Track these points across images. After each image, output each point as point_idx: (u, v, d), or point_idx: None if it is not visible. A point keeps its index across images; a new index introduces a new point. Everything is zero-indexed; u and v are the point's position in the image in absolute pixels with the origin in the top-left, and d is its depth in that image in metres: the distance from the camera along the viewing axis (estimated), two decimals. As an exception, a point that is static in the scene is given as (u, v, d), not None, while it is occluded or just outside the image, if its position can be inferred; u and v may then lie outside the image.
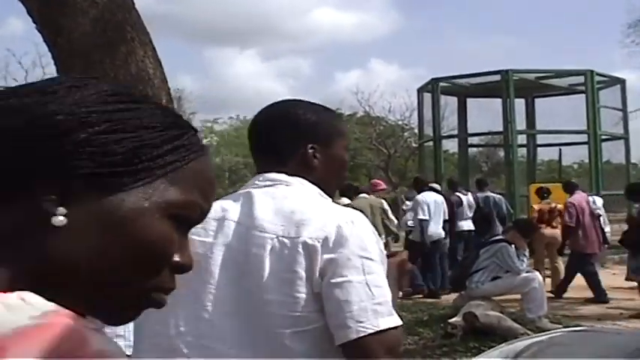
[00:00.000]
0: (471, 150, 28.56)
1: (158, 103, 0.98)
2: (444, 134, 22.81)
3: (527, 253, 10.50)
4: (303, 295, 1.92)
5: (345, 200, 12.66)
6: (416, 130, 30.20)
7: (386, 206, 13.42)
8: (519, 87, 20.13)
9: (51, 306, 0.76)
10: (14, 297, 0.76)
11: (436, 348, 8.50)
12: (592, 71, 20.16)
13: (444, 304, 11.33)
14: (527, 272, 10.00)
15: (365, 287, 1.92)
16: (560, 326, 8.42)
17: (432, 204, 12.54)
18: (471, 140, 24.83)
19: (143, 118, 0.93)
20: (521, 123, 21.20)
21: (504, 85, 19.56)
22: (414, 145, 43.02)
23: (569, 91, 21.84)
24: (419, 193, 13.01)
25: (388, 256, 2.23)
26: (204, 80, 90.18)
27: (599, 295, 11.97)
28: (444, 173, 21.52)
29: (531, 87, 21.51)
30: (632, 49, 40.82)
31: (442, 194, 13.27)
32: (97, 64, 5.34)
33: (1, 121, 0.87)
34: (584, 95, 20.21)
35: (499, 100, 20.20)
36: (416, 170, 27.26)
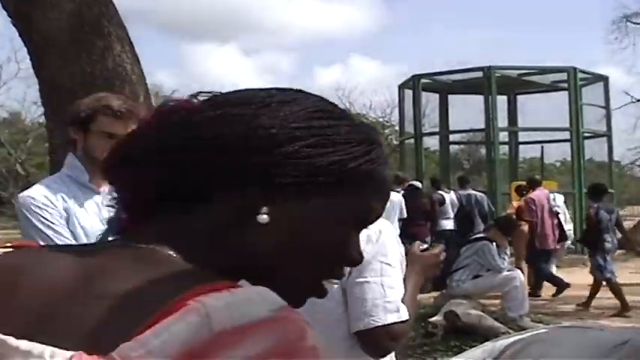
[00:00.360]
0: (453, 147, 28.70)
1: (352, 118, 1.14)
2: (425, 131, 22.88)
3: (508, 251, 10.58)
4: (334, 289, 2.32)
5: None
6: (397, 128, 30.23)
7: None
8: (501, 84, 20.22)
9: (281, 301, 0.89)
10: (254, 291, 0.91)
11: (417, 347, 8.55)
12: (575, 68, 20.26)
13: (424, 302, 11.39)
14: (508, 271, 10.08)
15: (380, 287, 2.37)
16: (542, 325, 8.50)
17: None
18: (453, 137, 24.91)
19: (342, 134, 1.08)
20: (503, 120, 21.30)
21: (486, 82, 19.64)
22: (394, 142, 43.05)
23: (552, 88, 21.94)
24: None
25: (424, 250, 2.72)
26: (181, 76, 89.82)
27: (559, 284, 12.26)
28: (425, 171, 21.59)
29: (513, 84, 21.61)
30: (616, 45, 40.99)
31: (406, 192, 13.29)
32: (73, 60, 5.34)
33: (219, 129, 1.04)
34: (566, 92, 20.30)
35: (481, 97, 20.28)
36: (397, 168, 27.28)
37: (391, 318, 2.38)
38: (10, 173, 36.36)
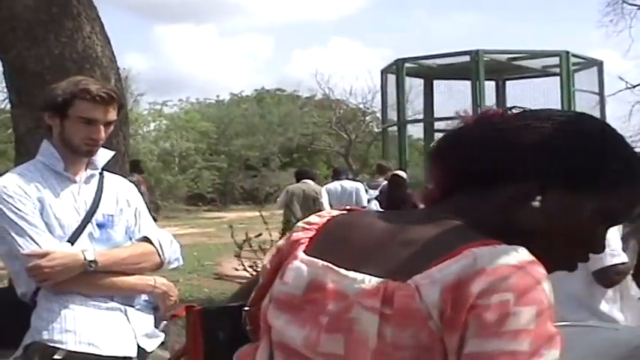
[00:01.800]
0: (438, 135, 28.67)
1: (623, 138, 1.54)
2: (409, 119, 22.86)
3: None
4: None
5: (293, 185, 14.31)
6: (378, 115, 30.21)
7: (322, 196, 13.71)
8: (490, 68, 20.22)
9: (531, 257, 1.31)
10: (511, 248, 1.32)
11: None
12: (567, 52, 20.24)
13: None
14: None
15: None
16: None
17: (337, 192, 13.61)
18: (438, 125, 24.77)
19: (609, 150, 1.49)
20: (491, 107, 21.27)
21: (474, 67, 19.66)
22: (376, 130, 43.01)
23: (543, 73, 21.90)
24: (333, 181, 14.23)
25: None
26: (153, 59, 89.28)
27: None
28: (409, 160, 21.61)
29: (502, 68, 21.59)
30: (611, 28, 41.13)
31: (390, 182, 13.36)
32: (40, 41, 5.34)
33: (521, 136, 1.48)
34: (558, 78, 20.34)
35: (468, 83, 20.28)
36: (378, 157, 27.26)
37: (616, 260, 4.09)
38: (-32, 162, 35.94)
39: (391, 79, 21.37)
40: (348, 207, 1.68)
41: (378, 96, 25.70)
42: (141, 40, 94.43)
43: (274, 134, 51.17)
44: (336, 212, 1.64)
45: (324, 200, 13.71)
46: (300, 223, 1.64)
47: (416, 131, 26.78)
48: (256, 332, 1.61)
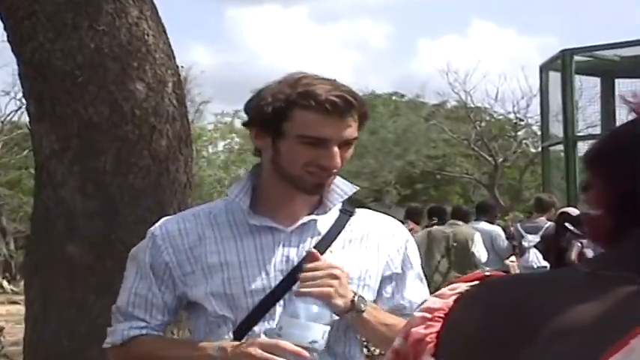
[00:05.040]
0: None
1: None
2: (580, 133, 22.59)
3: None
4: None
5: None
6: (536, 128, 29.91)
7: (475, 240, 13.42)
8: (695, 61, 19.96)
9: None
10: None
11: None
12: None
13: None
14: None
15: None
16: None
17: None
18: (622, 142, 24.64)
19: None
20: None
21: (672, 59, 19.42)
22: (533, 150, 42.74)
23: None
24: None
25: None
26: (223, 54, 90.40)
27: None
28: (580, 190, 21.34)
29: None
30: None
31: (557, 224, 13.08)
32: (70, 30, 5.35)
33: None
34: None
35: (664, 82, 20.05)
36: (536, 187, 26.94)
37: None
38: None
39: (555, 77, 21.20)
40: (481, 274, 1.58)
41: (536, 102, 25.50)
42: (207, 28, 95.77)
43: (389, 156, 51.28)
44: (464, 286, 1.53)
45: (479, 250, 13.47)
46: (417, 312, 1.54)
47: (590, 151, 26.50)
48: None
